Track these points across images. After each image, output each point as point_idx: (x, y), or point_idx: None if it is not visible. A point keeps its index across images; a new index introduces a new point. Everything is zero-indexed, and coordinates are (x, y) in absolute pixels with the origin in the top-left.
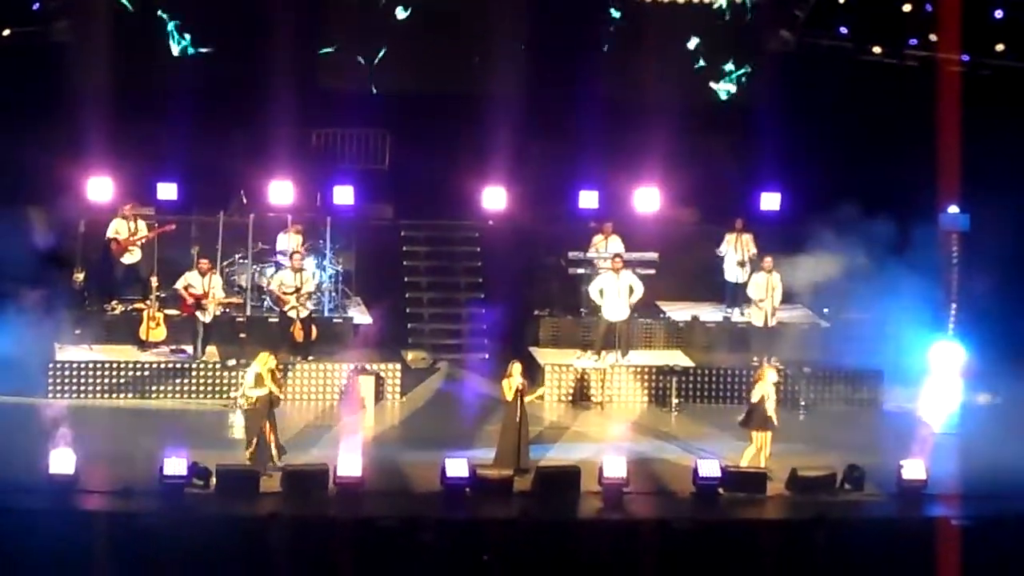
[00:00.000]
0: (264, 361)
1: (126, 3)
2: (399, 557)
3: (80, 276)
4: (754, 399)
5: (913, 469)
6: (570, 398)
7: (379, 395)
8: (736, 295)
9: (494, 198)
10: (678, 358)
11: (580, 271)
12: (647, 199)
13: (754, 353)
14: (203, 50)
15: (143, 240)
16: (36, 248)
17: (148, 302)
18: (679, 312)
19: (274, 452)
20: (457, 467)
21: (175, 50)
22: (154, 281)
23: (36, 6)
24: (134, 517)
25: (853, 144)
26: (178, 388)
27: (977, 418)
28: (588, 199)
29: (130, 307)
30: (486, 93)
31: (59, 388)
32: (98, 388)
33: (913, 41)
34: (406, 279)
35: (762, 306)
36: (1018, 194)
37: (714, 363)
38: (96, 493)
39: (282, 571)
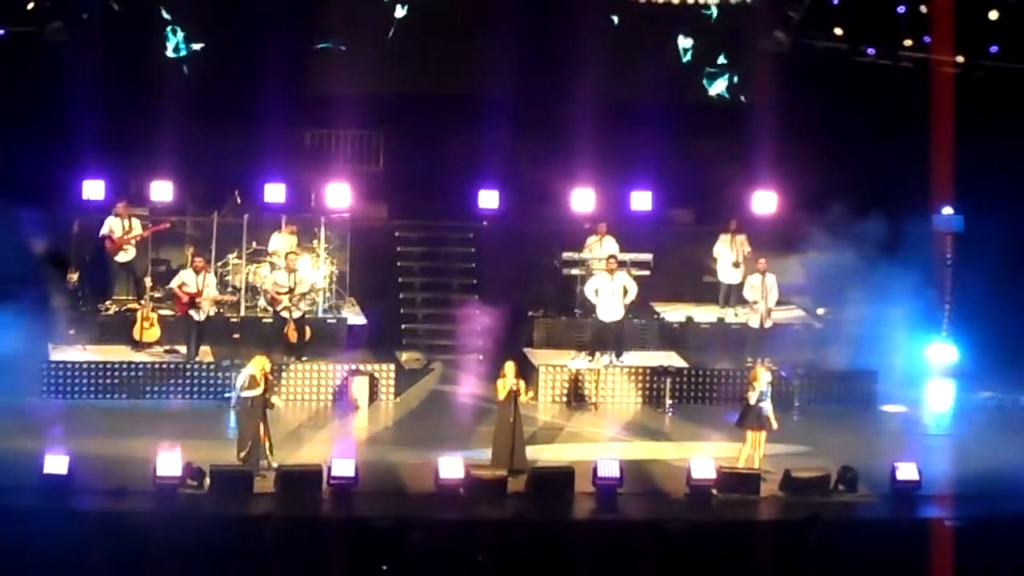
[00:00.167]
0: (259, 364)
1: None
2: (393, 557)
3: (74, 276)
4: (751, 401)
5: (906, 470)
6: (564, 399)
7: (373, 395)
8: (730, 296)
9: (488, 198)
10: (672, 359)
11: (574, 272)
12: (641, 200)
13: (748, 354)
14: (196, 47)
15: (137, 238)
16: (30, 248)
17: (142, 302)
18: (673, 313)
19: (268, 453)
20: (451, 468)
21: (169, 50)
22: (148, 281)
23: (30, 6)
24: (128, 517)
25: (848, 145)
26: (172, 388)
27: (970, 419)
28: (582, 200)
29: (124, 307)
30: (480, 94)
31: (53, 388)
32: (92, 388)
33: (907, 42)
34: (400, 279)
35: (757, 308)
36: (1012, 195)
37: (708, 364)
38: (90, 493)
39: (276, 571)
